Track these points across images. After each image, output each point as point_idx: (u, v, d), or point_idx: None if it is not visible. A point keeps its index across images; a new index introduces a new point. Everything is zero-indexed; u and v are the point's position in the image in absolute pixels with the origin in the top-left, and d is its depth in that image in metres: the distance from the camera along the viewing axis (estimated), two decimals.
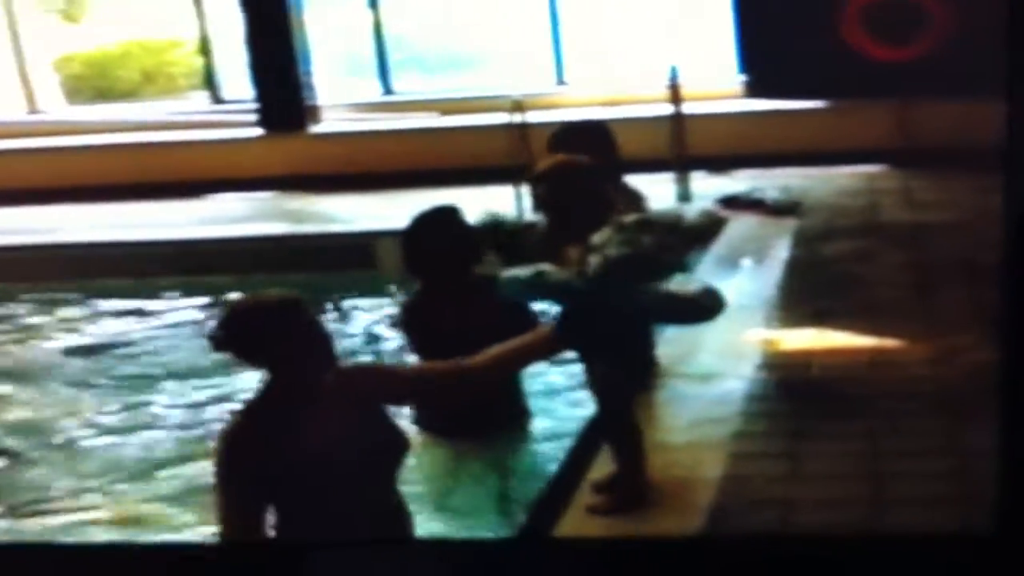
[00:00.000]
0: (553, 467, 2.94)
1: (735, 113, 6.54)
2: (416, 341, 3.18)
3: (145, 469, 3.47)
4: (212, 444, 2.48)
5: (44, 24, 8.49)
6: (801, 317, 3.73)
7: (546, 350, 2.46)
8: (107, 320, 5.15)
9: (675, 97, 5.44)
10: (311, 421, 2.19)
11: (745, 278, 4.27)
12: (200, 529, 2.87)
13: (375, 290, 5.01)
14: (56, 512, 3.22)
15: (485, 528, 2.82)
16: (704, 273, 2.59)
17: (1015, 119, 1.02)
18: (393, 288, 4.80)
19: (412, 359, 3.20)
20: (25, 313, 5.30)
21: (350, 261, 5.36)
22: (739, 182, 5.73)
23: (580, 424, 2.97)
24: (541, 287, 2.35)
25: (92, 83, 9.09)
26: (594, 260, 2.29)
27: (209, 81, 7.84)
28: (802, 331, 3.58)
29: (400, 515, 2.35)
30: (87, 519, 3.16)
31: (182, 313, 5.09)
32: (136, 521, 3.10)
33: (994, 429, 1.06)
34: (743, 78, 6.76)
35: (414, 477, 2.92)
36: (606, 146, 3.17)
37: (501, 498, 3.01)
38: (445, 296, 3.12)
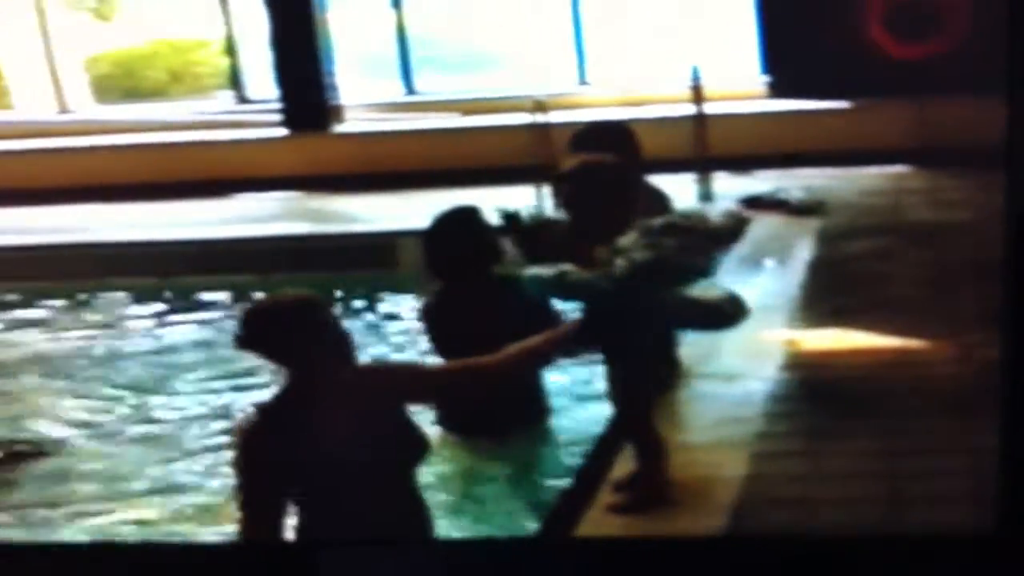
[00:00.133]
0: (574, 466, 2.96)
1: (757, 113, 6.50)
2: (437, 340, 3.19)
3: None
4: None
5: (75, 22, 8.61)
6: (824, 317, 3.71)
7: (566, 348, 2.48)
8: (133, 319, 5.23)
9: (697, 97, 5.43)
10: (329, 419, 2.21)
11: (768, 278, 4.25)
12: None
13: (397, 289, 5.04)
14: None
15: (506, 527, 2.83)
16: (727, 273, 2.58)
17: (1015, 119, 1.03)
18: (414, 287, 4.83)
19: (433, 358, 3.22)
20: (56, 311, 5.40)
21: (372, 261, 5.40)
22: (762, 182, 5.71)
23: (602, 423, 2.98)
24: (564, 287, 2.36)
25: (120, 83, 9.21)
26: (620, 262, 2.30)
27: (234, 81, 7.91)
28: (825, 331, 3.56)
29: (420, 513, 2.37)
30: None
31: (206, 312, 5.16)
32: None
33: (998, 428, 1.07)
34: (765, 78, 6.73)
35: (435, 476, 2.94)
36: (629, 146, 3.17)
37: (522, 497, 3.02)
38: (465, 295, 3.13)
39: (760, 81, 6.75)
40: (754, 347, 3.36)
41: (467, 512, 2.90)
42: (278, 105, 7.20)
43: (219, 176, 6.89)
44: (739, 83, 6.72)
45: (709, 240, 2.38)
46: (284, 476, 2.21)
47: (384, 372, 2.41)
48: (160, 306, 5.31)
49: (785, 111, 6.45)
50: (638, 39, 7.37)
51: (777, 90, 6.65)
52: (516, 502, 2.98)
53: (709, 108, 5.53)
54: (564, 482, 2.87)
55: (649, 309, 2.37)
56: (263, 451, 2.20)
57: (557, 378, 3.48)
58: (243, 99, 7.86)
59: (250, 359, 2.61)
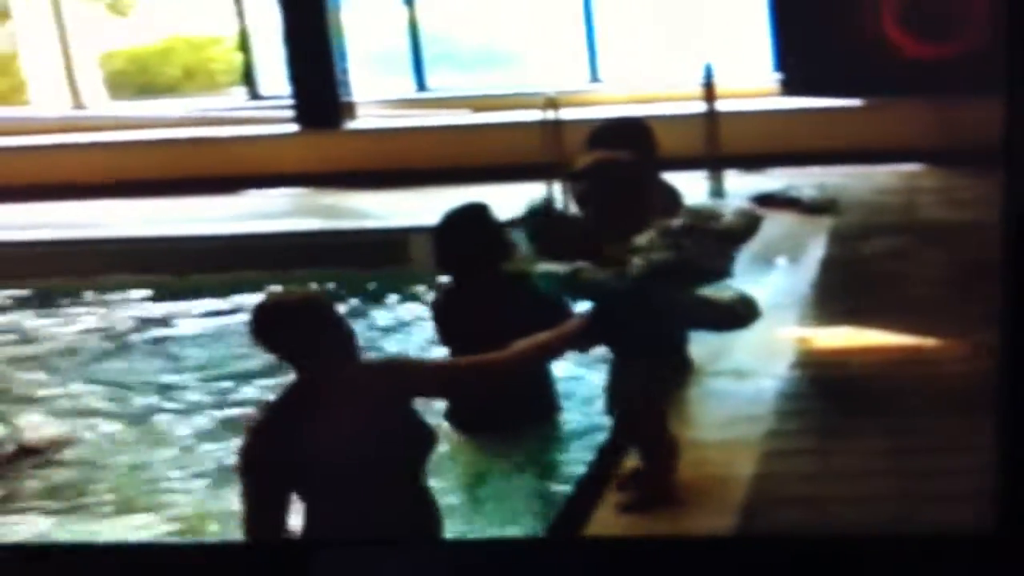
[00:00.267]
0: (584, 463, 2.96)
1: (769, 111, 6.48)
2: (447, 336, 3.20)
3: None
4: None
5: (91, 17, 8.66)
6: (836, 316, 3.70)
7: (575, 344, 2.48)
8: (146, 314, 5.27)
9: (709, 95, 5.41)
10: (336, 415, 2.22)
11: (780, 276, 4.24)
12: None
13: (409, 285, 5.06)
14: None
15: (515, 524, 2.84)
16: (738, 271, 2.60)
17: (1013, 120, 1.03)
18: (426, 283, 4.84)
19: (443, 353, 3.24)
20: (68, 306, 5.44)
21: (384, 257, 5.41)
22: (774, 180, 5.69)
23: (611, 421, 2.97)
24: (578, 285, 2.36)
25: (135, 79, 9.27)
26: (637, 262, 2.29)
27: (247, 77, 7.94)
28: (837, 330, 3.55)
29: (428, 509, 2.38)
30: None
31: (220, 307, 5.19)
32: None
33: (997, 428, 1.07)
34: (778, 76, 6.71)
35: (445, 472, 2.96)
36: (646, 143, 3.16)
37: (532, 494, 3.03)
38: (475, 291, 3.14)
39: (772, 79, 6.73)
40: (765, 345, 3.35)
41: (475, 508, 2.91)
42: (291, 101, 7.22)
43: (232, 172, 6.91)
44: (751, 81, 6.70)
45: (727, 241, 2.38)
46: (291, 472, 2.22)
47: (391, 368, 2.42)
48: (173, 301, 5.35)
49: (797, 109, 6.42)
50: (650, 36, 7.35)
51: (789, 88, 6.62)
52: (525, 499, 2.98)
53: (721, 106, 5.51)
54: (573, 480, 2.88)
55: (663, 309, 2.37)
56: (270, 448, 2.22)
57: (568, 374, 3.49)
58: (256, 95, 7.89)
59: (260, 355, 2.63)
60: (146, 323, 5.12)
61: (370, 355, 4.20)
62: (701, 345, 3.21)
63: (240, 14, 7.74)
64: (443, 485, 2.75)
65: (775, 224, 4.95)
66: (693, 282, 2.37)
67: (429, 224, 3.35)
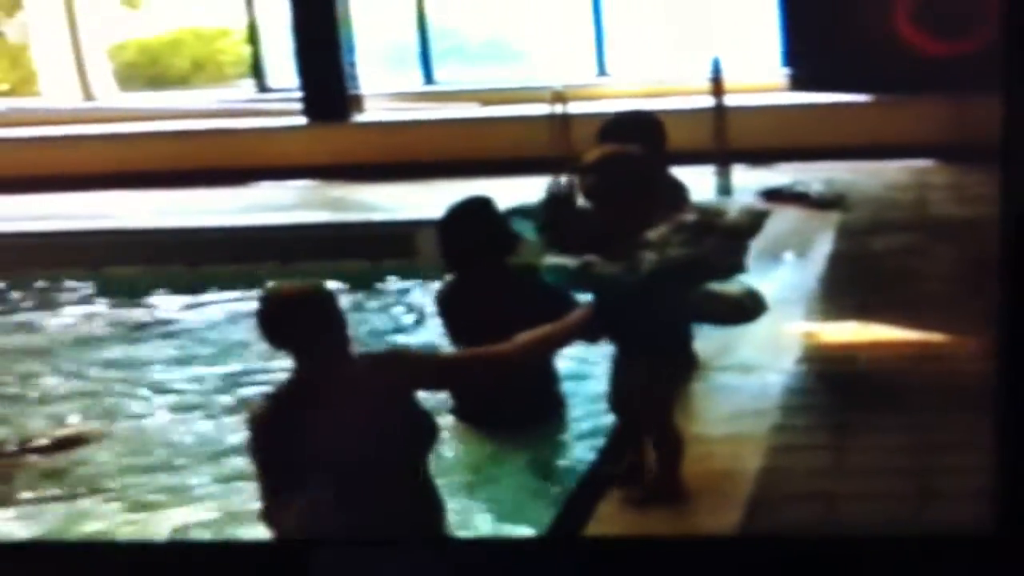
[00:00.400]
0: (588, 459, 2.95)
1: (778, 106, 6.45)
2: (452, 329, 3.20)
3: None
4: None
5: (102, 9, 8.67)
6: (843, 311, 3.69)
7: (578, 336, 2.48)
8: (154, 305, 5.28)
9: (717, 89, 5.39)
10: (338, 407, 2.23)
11: (787, 271, 4.23)
12: None
13: (416, 278, 5.06)
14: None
15: (519, 517, 2.84)
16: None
17: (1011, 119, 1.02)
18: (433, 276, 4.84)
19: (449, 346, 3.23)
20: (78, 298, 5.46)
21: (391, 249, 5.42)
22: (782, 175, 5.67)
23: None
24: (589, 278, 2.35)
25: (144, 71, 9.28)
26: (651, 257, 2.29)
27: (256, 70, 7.95)
28: (844, 325, 3.54)
29: (431, 502, 2.37)
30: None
31: (228, 298, 5.20)
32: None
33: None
34: (786, 71, 6.67)
35: (450, 466, 2.96)
36: (656, 137, 3.15)
37: (537, 487, 3.02)
38: (480, 285, 3.13)
39: (781, 74, 6.69)
40: (772, 340, 3.34)
41: (479, 501, 2.91)
42: (299, 94, 7.22)
43: (240, 164, 6.92)
44: (760, 76, 6.67)
45: (737, 237, 2.38)
46: (293, 462, 2.23)
47: (394, 360, 2.42)
48: (183, 292, 5.36)
49: (806, 104, 6.39)
50: (658, 31, 7.32)
51: (798, 83, 6.59)
52: (529, 492, 2.98)
53: (729, 100, 5.49)
54: (577, 474, 2.87)
55: (671, 304, 2.37)
56: (271, 437, 2.23)
57: (574, 369, 3.48)
58: (264, 88, 7.89)
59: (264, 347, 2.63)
60: (156, 314, 5.14)
61: (376, 347, 4.24)
62: (707, 340, 3.20)
63: (249, 6, 7.74)
64: (446, 478, 2.74)
65: (782, 219, 4.94)
66: (708, 278, 2.37)
67: (436, 217, 3.35)
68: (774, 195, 5.31)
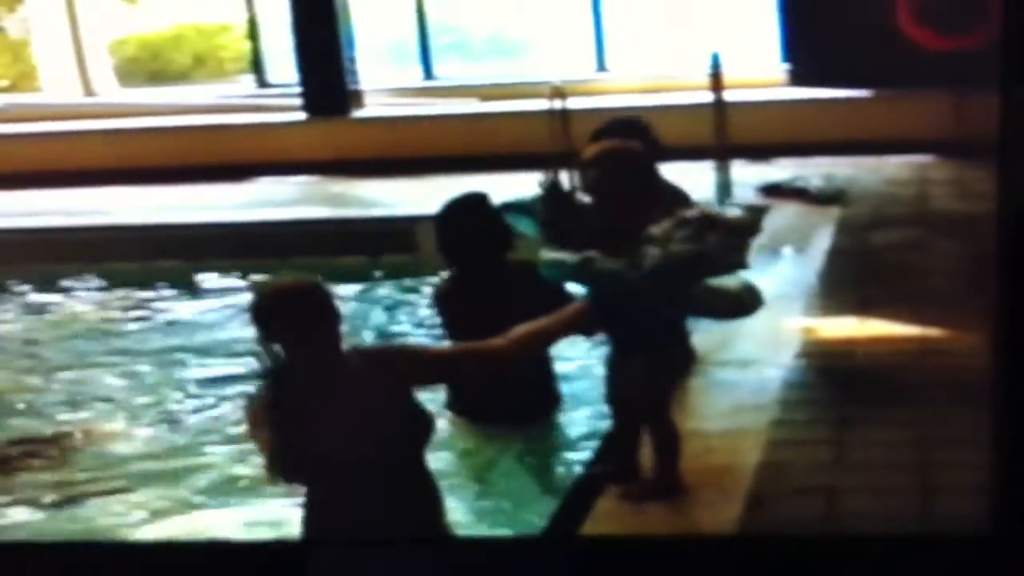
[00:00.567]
0: (585, 452, 2.94)
1: (777, 101, 6.43)
2: (449, 324, 3.19)
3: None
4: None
5: (101, 5, 8.65)
6: (842, 305, 3.67)
7: (575, 330, 2.47)
8: (154, 300, 5.27)
9: (717, 85, 5.36)
10: (333, 401, 2.20)
11: (786, 266, 4.21)
12: None
13: (415, 273, 5.04)
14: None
15: (516, 512, 2.83)
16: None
17: (1010, 118, 1.01)
18: (433, 271, 4.81)
19: (446, 341, 3.22)
20: (77, 293, 5.45)
21: (391, 245, 5.40)
22: (782, 170, 5.65)
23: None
24: (589, 274, 2.34)
25: (145, 66, 9.26)
26: (653, 252, 2.28)
27: (256, 65, 7.92)
28: (843, 319, 3.53)
29: (429, 495, 2.36)
30: None
31: (228, 294, 5.18)
32: None
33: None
34: (786, 66, 6.65)
35: (446, 460, 2.94)
36: (648, 141, 3.14)
37: (533, 482, 3.01)
38: (477, 280, 3.13)
39: (780, 70, 6.67)
40: (771, 335, 3.33)
41: (475, 496, 2.89)
42: (299, 90, 7.20)
43: (240, 160, 6.90)
44: (759, 71, 6.64)
45: (739, 234, 2.38)
46: (288, 453, 2.22)
47: (389, 354, 2.40)
48: (181, 288, 5.35)
49: (805, 100, 6.37)
50: (657, 26, 7.29)
51: (797, 79, 6.56)
52: (526, 486, 2.96)
53: (729, 96, 5.46)
54: (575, 469, 2.86)
55: (671, 299, 2.36)
56: (265, 427, 2.22)
57: (571, 365, 3.47)
58: (265, 83, 7.87)
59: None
60: (155, 309, 5.12)
61: (374, 342, 4.23)
62: (706, 335, 3.19)
63: (249, 2, 7.71)
64: (441, 472, 2.72)
65: (782, 214, 4.93)
66: (710, 274, 2.37)
67: (435, 212, 3.33)
68: (774, 190, 5.29)
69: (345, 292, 4.75)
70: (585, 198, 2.52)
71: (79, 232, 5.93)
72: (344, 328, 2.29)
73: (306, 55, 7.09)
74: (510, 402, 3.06)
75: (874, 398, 2.94)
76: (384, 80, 7.48)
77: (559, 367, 3.34)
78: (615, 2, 7.11)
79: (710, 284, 2.39)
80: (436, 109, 7.11)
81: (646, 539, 1.68)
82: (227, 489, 3.17)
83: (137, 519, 3.09)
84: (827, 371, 3.17)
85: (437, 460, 2.54)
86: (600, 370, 2.69)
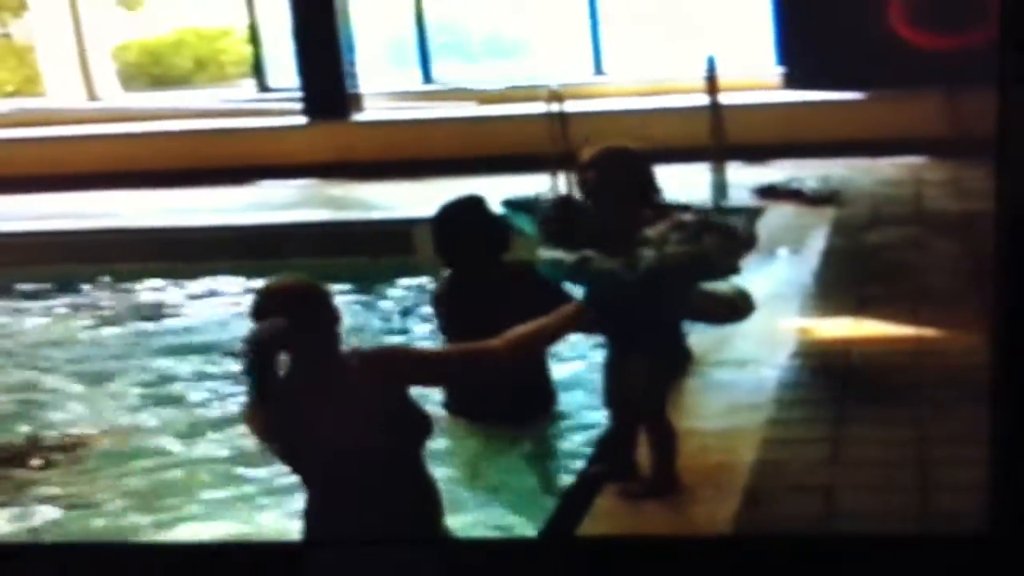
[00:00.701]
0: (581, 451, 2.92)
1: (772, 103, 6.42)
2: (447, 324, 3.18)
3: None
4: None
5: (104, 11, 8.64)
6: (837, 305, 3.66)
7: (570, 330, 2.46)
8: (158, 302, 5.25)
9: (712, 88, 5.35)
10: (331, 402, 2.19)
11: (782, 267, 4.20)
12: None
13: (413, 275, 5.03)
14: None
15: (513, 511, 2.81)
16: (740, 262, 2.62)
17: (1008, 117, 0.99)
18: (430, 272, 4.80)
19: (444, 342, 3.20)
20: (82, 294, 5.43)
21: (390, 246, 5.39)
22: (778, 172, 5.64)
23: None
24: (585, 273, 2.34)
25: (147, 71, 9.25)
26: (649, 254, 2.28)
27: (257, 70, 7.91)
28: (838, 319, 3.52)
29: (428, 494, 2.34)
30: None
31: (230, 295, 5.17)
32: None
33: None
34: (781, 69, 6.64)
35: (443, 459, 2.92)
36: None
37: (531, 481, 3.00)
38: (474, 282, 3.12)
39: (775, 72, 6.66)
40: (767, 335, 3.31)
41: (473, 495, 2.87)
42: (300, 94, 7.18)
43: (241, 163, 6.88)
44: (754, 74, 6.63)
45: (735, 239, 2.38)
46: (286, 452, 2.20)
47: (386, 356, 2.39)
48: (184, 289, 5.33)
49: (800, 101, 6.36)
50: (654, 30, 7.28)
51: (792, 81, 6.55)
52: (523, 486, 2.95)
53: (724, 98, 5.45)
54: (572, 468, 2.84)
55: (668, 300, 2.36)
56: (265, 427, 2.20)
57: (568, 365, 3.45)
58: (265, 88, 7.85)
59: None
60: (157, 310, 5.10)
61: (374, 342, 4.21)
62: (703, 335, 3.17)
63: (250, 7, 7.70)
64: (438, 471, 2.71)
65: (778, 215, 4.92)
66: (705, 277, 2.38)
67: (432, 214, 3.31)
68: (769, 191, 5.28)
69: (344, 293, 4.73)
70: (583, 199, 2.51)
71: (83, 234, 5.91)
72: (343, 329, 2.27)
73: (306, 59, 7.08)
74: (507, 402, 3.05)
75: (869, 397, 2.93)
76: (383, 84, 7.47)
77: (556, 367, 3.32)
78: (612, 6, 7.10)
79: (705, 289, 2.41)
80: (435, 112, 7.10)
81: (644, 539, 1.66)
82: (232, 490, 3.15)
83: (142, 522, 3.07)
84: (823, 370, 3.15)
85: (434, 459, 2.52)
86: (597, 370, 2.68)
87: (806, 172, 5.55)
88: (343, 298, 4.52)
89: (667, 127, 5.44)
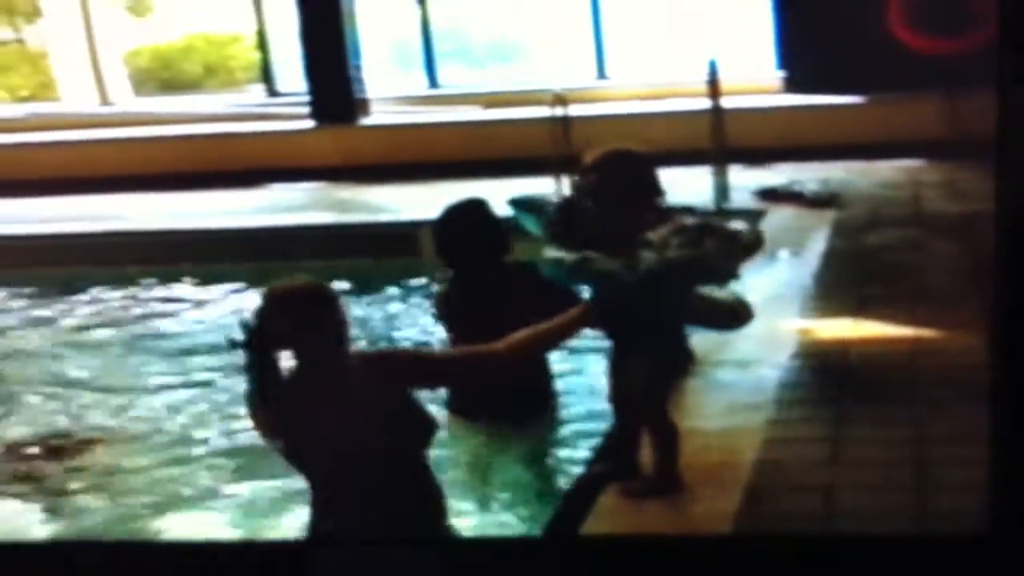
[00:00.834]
0: (583, 451, 2.91)
1: (774, 107, 6.40)
2: (451, 325, 3.17)
3: None
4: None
5: (115, 18, 8.66)
6: (837, 306, 3.65)
7: (573, 334, 2.45)
8: (168, 303, 5.25)
9: (714, 91, 5.34)
10: (335, 403, 2.18)
11: (783, 268, 4.18)
12: None
13: (420, 276, 5.03)
14: None
15: (516, 510, 2.80)
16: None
17: (1008, 118, 0.98)
18: (436, 274, 4.79)
19: (448, 343, 3.19)
20: (94, 296, 5.43)
21: (396, 248, 5.39)
22: (778, 175, 5.62)
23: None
24: (586, 273, 2.34)
25: (158, 76, 9.27)
26: (649, 256, 2.27)
27: (265, 75, 7.92)
28: (838, 320, 3.50)
29: (432, 494, 2.34)
30: None
31: (240, 296, 5.17)
32: None
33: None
34: (781, 73, 6.62)
35: (446, 460, 2.91)
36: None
37: (533, 481, 2.98)
38: (477, 284, 3.12)
39: (776, 76, 6.64)
40: (768, 336, 3.30)
41: (474, 494, 2.87)
42: (308, 98, 7.19)
43: (251, 167, 6.89)
44: (755, 78, 6.62)
45: (736, 245, 2.37)
46: (291, 453, 2.20)
47: (390, 358, 2.38)
48: (193, 291, 5.33)
49: (800, 105, 6.35)
50: (656, 34, 7.28)
51: (792, 85, 6.54)
52: (525, 485, 2.94)
53: (726, 102, 5.44)
54: (573, 468, 2.83)
55: (668, 303, 2.35)
56: (269, 427, 2.19)
57: (570, 365, 3.44)
58: (274, 92, 7.86)
59: None
60: (166, 311, 5.11)
61: (381, 342, 4.20)
62: (705, 336, 3.16)
63: (259, 13, 7.71)
64: (440, 471, 2.70)
65: (779, 217, 4.90)
66: (704, 281, 2.38)
67: (434, 218, 3.31)
68: (770, 194, 5.27)
69: (351, 295, 4.73)
70: (587, 201, 2.50)
71: (95, 237, 5.92)
72: (350, 331, 2.27)
73: (314, 65, 7.09)
74: (507, 401, 3.04)
75: (869, 397, 2.91)
76: (390, 88, 7.47)
77: (558, 367, 3.31)
78: (614, 11, 7.09)
79: (705, 295, 2.40)
80: (440, 116, 7.10)
81: (645, 538, 1.65)
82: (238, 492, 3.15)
83: (145, 521, 3.06)
84: (823, 370, 3.14)
85: (437, 459, 2.51)
86: (598, 370, 2.67)
87: (807, 175, 5.54)
88: (350, 299, 4.52)
89: (669, 130, 5.43)
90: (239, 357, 2.22)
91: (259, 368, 2.11)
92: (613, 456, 2.59)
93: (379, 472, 2.21)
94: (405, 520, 2.24)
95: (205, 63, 9.32)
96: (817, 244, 4.48)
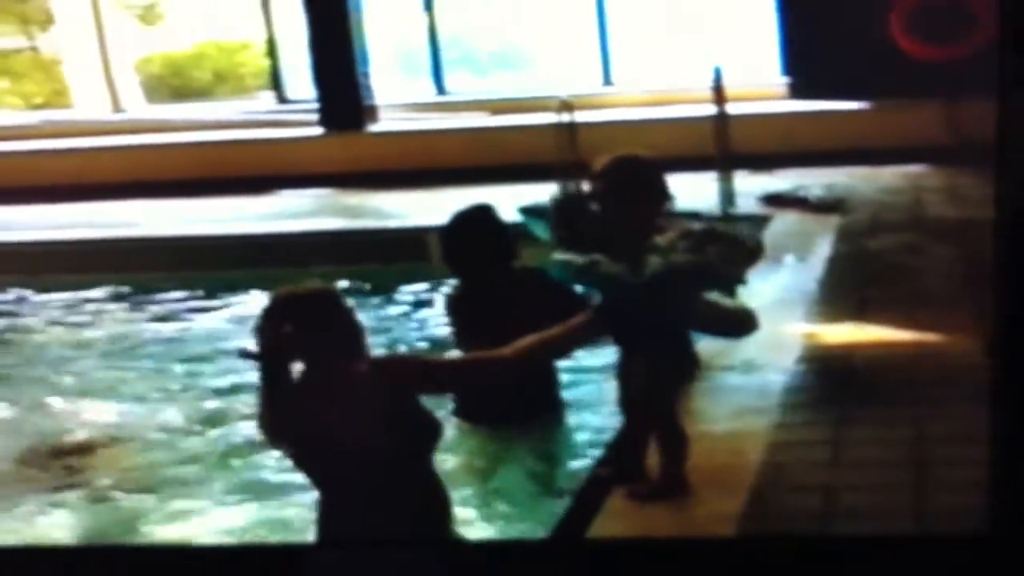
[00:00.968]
0: (589, 455, 2.92)
1: (779, 113, 6.41)
2: (460, 329, 3.19)
3: None
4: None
5: (126, 26, 8.71)
6: (842, 310, 3.65)
7: (581, 341, 2.46)
8: (180, 310, 5.28)
9: (719, 98, 5.35)
10: (342, 408, 2.19)
11: (788, 273, 4.19)
12: None
13: (428, 281, 5.04)
14: None
15: (522, 514, 2.81)
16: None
17: (1009, 121, 0.99)
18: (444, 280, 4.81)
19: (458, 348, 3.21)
20: (105, 302, 5.47)
21: (405, 254, 5.41)
22: (783, 180, 5.63)
23: (617, 415, 2.93)
24: (592, 276, 2.35)
25: (169, 83, 9.32)
26: (655, 260, 2.29)
27: (275, 82, 7.96)
28: (844, 324, 3.50)
29: (437, 497, 2.34)
30: None
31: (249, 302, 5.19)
32: None
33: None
34: (786, 79, 6.63)
35: (452, 464, 2.92)
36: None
37: (540, 485, 2.99)
38: (485, 289, 3.13)
39: (780, 82, 6.65)
40: (774, 340, 3.30)
41: (481, 499, 2.87)
42: (316, 105, 7.23)
43: (260, 173, 6.93)
44: (760, 84, 6.63)
45: (741, 251, 2.38)
46: (300, 457, 2.21)
47: (397, 363, 2.40)
48: (204, 296, 5.36)
49: (805, 111, 6.35)
50: (661, 41, 7.29)
51: (796, 91, 6.55)
52: (534, 490, 2.94)
53: (731, 108, 5.44)
54: (580, 472, 2.83)
55: (674, 307, 2.36)
56: (278, 432, 2.21)
57: (576, 369, 3.44)
58: (283, 99, 7.90)
59: None
60: (177, 317, 5.13)
61: (390, 347, 4.22)
62: (711, 341, 3.16)
63: (268, 21, 7.75)
64: (446, 475, 2.71)
65: (783, 222, 4.90)
66: (710, 286, 2.39)
67: (441, 225, 3.33)
68: (775, 200, 5.28)
69: (361, 299, 4.75)
70: (595, 206, 2.52)
71: (107, 243, 5.96)
72: (362, 335, 2.28)
73: (322, 72, 7.12)
74: (514, 405, 3.04)
75: (872, 399, 2.92)
76: (398, 95, 7.50)
77: (564, 371, 3.32)
78: (620, 18, 7.11)
79: (712, 302, 2.41)
80: (447, 123, 7.12)
81: (649, 540, 1.66)
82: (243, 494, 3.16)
83: (154, 524, 3.08)
84: (827, 374, 3.14)
85: (442, 463, 2.52)
86: (603, 374, 2.68)
87: (811, 180, 5.54)
88: (360, 304, 4.53)
89: (675, 136, 5.44)
90: (249, 364, 2.24)
91: (270, 376, 2.13)
92: (619, 459, 2.60)
93: (385, 475, 2.22)
94: (411, 523, 2.25)
95: (215, 71, 9.37)
96: (822, 249, 4.48)
